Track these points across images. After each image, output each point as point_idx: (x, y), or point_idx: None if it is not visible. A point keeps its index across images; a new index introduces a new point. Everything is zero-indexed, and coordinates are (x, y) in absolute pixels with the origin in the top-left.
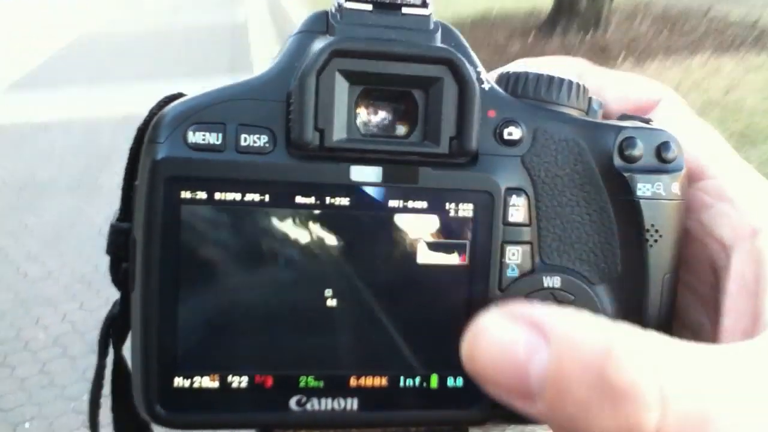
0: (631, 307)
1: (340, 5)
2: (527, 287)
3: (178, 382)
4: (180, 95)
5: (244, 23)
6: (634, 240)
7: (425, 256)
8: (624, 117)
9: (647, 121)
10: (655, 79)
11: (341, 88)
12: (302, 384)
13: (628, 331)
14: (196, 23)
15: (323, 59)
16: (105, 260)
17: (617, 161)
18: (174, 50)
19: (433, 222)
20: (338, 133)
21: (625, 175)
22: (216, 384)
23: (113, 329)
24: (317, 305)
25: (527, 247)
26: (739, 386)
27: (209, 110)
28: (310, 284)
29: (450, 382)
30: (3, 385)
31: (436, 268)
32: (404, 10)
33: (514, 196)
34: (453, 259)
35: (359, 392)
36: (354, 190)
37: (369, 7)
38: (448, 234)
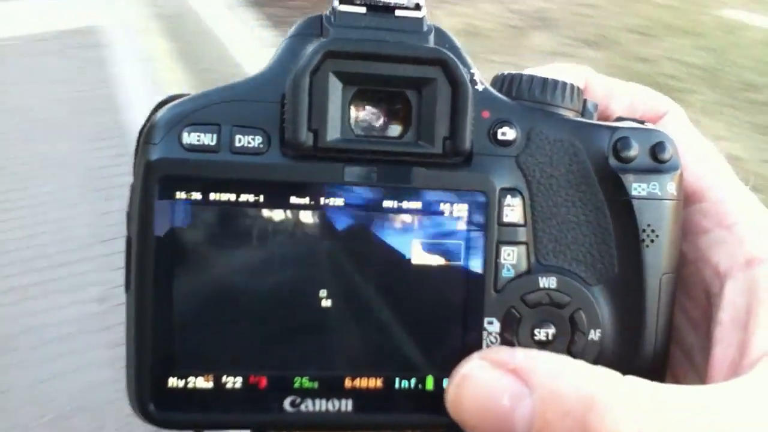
0: (629, 309)
1: (333, 8)
2: (523, 288)
3: (173, 382)
4: (178, 96)
5: None
6: (631, 240)
7: (420, 257)
8: (620, 119)
9: (642, 123)
10: None
11: (335, 88)
12: (297, 385)
13: (609, 379)
14: None
15: (317, 60)
16: None
17: (612, 161)
18: None
19: (427, 222)
20: (332, 133)
21: (620, 175)
22: (210, 384)
23: None
24: (312, 306)
25: (522, 248)
26: None
27: (204, 111)
28: (304, 285)
29: (446, 383)
30: None
31: (431, 269)
32: (397, 12)
33: (508, 197)
34: (448, 259)
35: (354, 393)
36: (348, 190)
37: (362, 10)
38: (443, 234)
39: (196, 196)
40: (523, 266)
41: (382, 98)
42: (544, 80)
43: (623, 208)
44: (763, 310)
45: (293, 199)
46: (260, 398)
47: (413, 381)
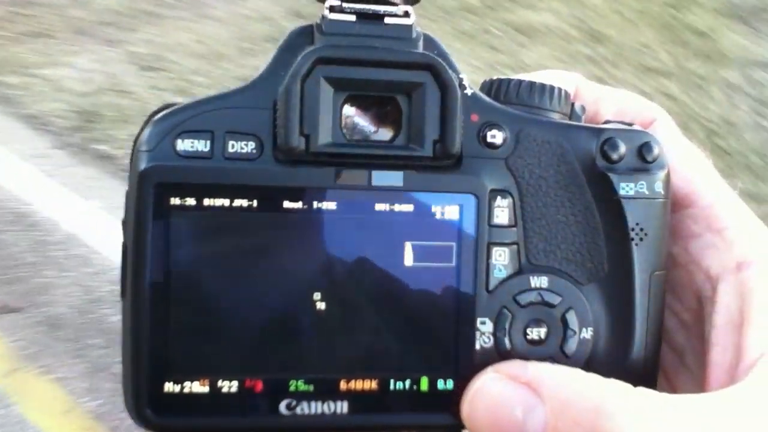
0: (620, 306)
1: (324, 17)
2: (514, 288)
3: (169, 387)
4: (171, 105)
5: None
6: (620, 239)
7: (412, 259)
8: (608, 122)
9: (629, 125)
10: None
11: (326, 94)
12: (292, 388)
13: (619, 390)
14: None
15: (308, 66)
16: None
17: (600, 162)
18: None
19: (419, 225)
20: (323, 138)
21: (608, 174)
22: (206, 389)
23: None
24: (306, 309)
25: (513, 248)
26: None
27: (197, 119)
28: (298, 288)
29: (440, 384)
30: None
31: (423, 271)
32: (387, 20)
33: (498, 198)
34: (440, 261)
35: (349, 395)
36: (340, 194)
37: (353, 18)
38: (435, 236)
39: (191, 202)
40: (515, 266)
41: (373, 103)
42: (531, 84)
43: (612, 207)
44: (755, 312)
45: (286, 204)
46: (256, 402)
47: (408, 382)
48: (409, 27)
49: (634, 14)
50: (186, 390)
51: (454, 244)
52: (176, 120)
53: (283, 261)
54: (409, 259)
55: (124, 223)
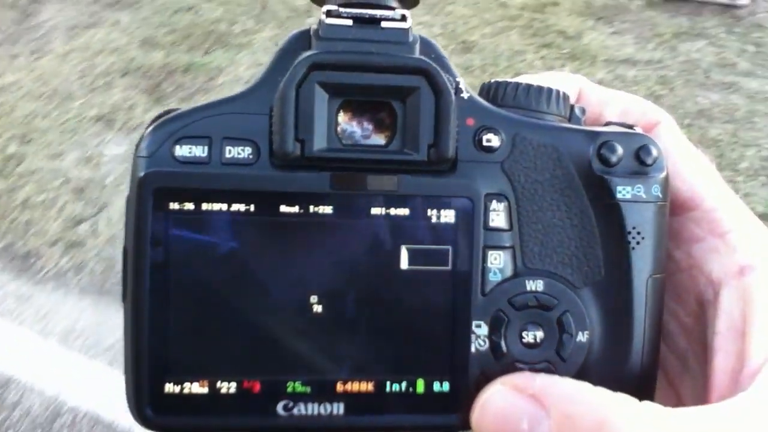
0: (617, 310)
1: (321, 22)
2: (510, 291)
3: (169, 388)
4: (171, 111)
5: None
6: (617, 243)
7: (408, 262)
8: (609, 124)
9: (631, 127)
10: None
11: (321, 99)
12: (289, 389)
13: (623, 403)
14: None
15: (302, 72)
16: None
17: (596, 165)
18: None
19: (415, 228)
20: (319, 143)
21: (605, 177)
22: (205, 389)
23: None
24: (303, 312)
25: (509, 252)
26: None
27: (196, 125)
28: (296, 291)
29: (436, 386)
30: None
31: (419, 274)
32: (383, 24)
33: (494, 202)
34: (436, 264)
35: (346, 397)
36: (336, 198)
37: (349, 22)
38: (431, 240)
39: (189, 206)
40: (510, 270)
41: (368, 108)
42: (529, 87)
43: (609, 210)
44: (758, 317)
45: (283, 208)
46: (254, 403)
47: (404, 384)
48: (405, 31)
49: (503, 22)
50: (186, 390)
51: (449, 247)
52: (175, 126)
53: (281, 264)
54: (404, 263)
55: (125, 227)
